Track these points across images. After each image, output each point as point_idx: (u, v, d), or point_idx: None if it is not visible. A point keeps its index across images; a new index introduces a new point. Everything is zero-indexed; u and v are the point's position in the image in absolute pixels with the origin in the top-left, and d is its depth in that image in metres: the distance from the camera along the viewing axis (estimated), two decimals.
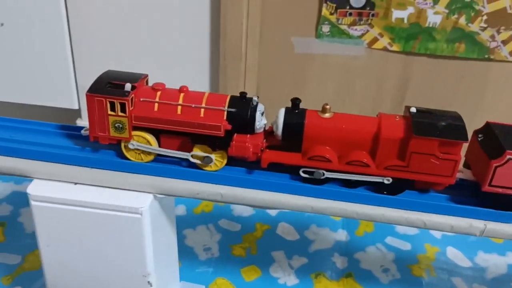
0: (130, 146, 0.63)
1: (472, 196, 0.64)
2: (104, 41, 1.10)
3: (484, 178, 0.60)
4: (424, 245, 1.02)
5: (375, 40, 1.04)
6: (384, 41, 1.03)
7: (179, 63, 1.10)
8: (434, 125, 0.59)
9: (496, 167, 0.59)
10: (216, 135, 0.61)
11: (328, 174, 0.62)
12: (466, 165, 0.67)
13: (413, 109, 0.62)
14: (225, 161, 0.64)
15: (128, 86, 0.61)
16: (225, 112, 0.61)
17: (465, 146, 0.63)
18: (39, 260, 0.90)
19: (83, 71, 1.12)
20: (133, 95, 0.61)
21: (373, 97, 1.10)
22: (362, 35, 1.03)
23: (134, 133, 0.63)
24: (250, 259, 0.95)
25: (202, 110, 0.61)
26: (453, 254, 1.00)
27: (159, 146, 0.64)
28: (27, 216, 1.01)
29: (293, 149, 0.63)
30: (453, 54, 1.02)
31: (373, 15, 1.01)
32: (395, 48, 1.04)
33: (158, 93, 0.62)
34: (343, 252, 0.98)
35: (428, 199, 0.63)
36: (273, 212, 1.06)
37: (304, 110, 0.62)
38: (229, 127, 0.61)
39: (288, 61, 1.09)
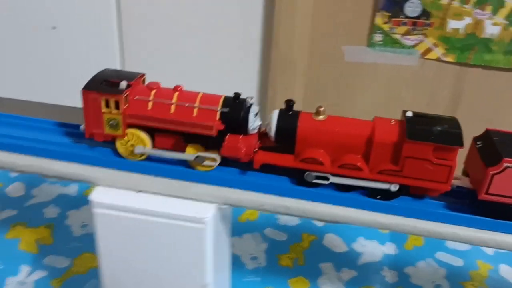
0: (137, 150, 0.63)
1: (469, 204, 0.62)
2: (154, 49, 1.10)
3: (481, 186, 0.58)
4: (476, 262, 0.99)
5: (428, 50, 1.01)
6: (438, 52, 1.01)
7: (228, 73, 1.09)
8: (429, 130, 0.57)
9: (493, 174, 0.57)
10: (208, 134, 0.61)
11: (320, 178, 0.61)
12: (465, 173, 0.65)
13: (409, 113, 0.60)
14: (218, 161, 0.63)
15: (123, 84, 0.61)
16: (218, 112, 0.61)
17: (464, 153, 0.62)
18: (88, 264, 0.91)
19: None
20: (127, 93, 0.61)
21: (424, 109, 1.07)
22: (416, 45, 1.01)
23: (128, 131, 0.63)
24: (297, 270, 0.94)
25: (195, 109, 0.61)
26: (507, 271, 0.98)
27: (154, 144, 0.64)
28: (74, 219, 1.01)
29: (287, 151, 0.62)
30: (510, 66, 1.00)
31: (428, 24, 0.99)
32: (449, 58, 1.01)
33: (153, 91, 0.62)
34: (393, 266, 0.95)
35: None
36: (319, 223, 1.04)
37: (298, 112, 0.61)
38: (221, 127, 0.61)
39: (338, 70, 1.07)
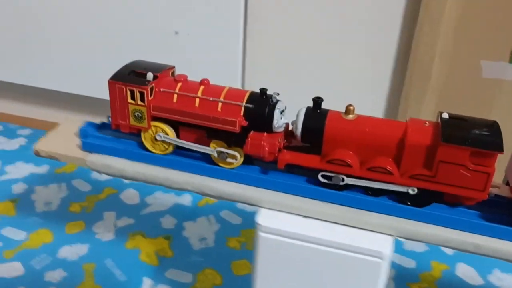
0: (158, 138, 0.61)
1: (508, 215, 0.55)
2: (276, 58, 1.06)
3: None
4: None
5: None
6: None
7: (358, 84, 1.04)
8: (466, 133, 0.52)
9: None
10: (231, 130, 0.58)
11: (348, 180, 0.56)
12: (506, 181, 0.58)
13: (445, 115, 0.54)
14: (242, 159, 0.60)
15: (149, 76, 0.59)
16: (243, 108, 0.58)
17: (505, 159, 0.55)
18: (211, 281, 0.88)
19: (251, 85, 1.09)
20: (153, 84, 0.59)
21: None
22: None
23: (153, 123, 0.61)
24: None
25: (220, 104, 0.58)
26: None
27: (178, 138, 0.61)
28: (191, 231, 0.98)
29: (313, 151, 0.58)
30: None
31: None
32: None
33: (179, 84, 0.60)
34: None
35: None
36: (448, 251, 0.97)
37: (326, 111, 0.57)
38: (245, 123, 0.58)
39: (474, 86, 1.00)
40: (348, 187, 0.58)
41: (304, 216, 0.59)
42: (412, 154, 0.54)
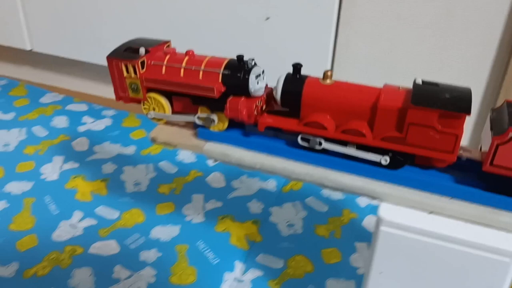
0: (149, 116, 0.68)
1: (477, 178, 0.58)
2: (370, 47, 1.04)
3: (486, 157, 0.54)
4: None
5: None
6: None
7: (454, 77, 1.01)
8: (435, 96, 0.53)
9: (497, 144, 0.53)
10: (211, 97, 0.63)
11: (325, 145, 0.60)
12: (480, 146, 0.60)
13: (419, 80, 0.56)
14: (226, 123, 0.65)
15: (141, 51, 0.65)
16: (220, 75, 0.62)
17: (480, 125, 0.55)
18: (303, 268, 0.88)
19: (341, 74, 1.07)
20: (144, 58, 0.65)
21: None
22: None
23: (148, 94, 0.67)
24: None
25: (201, 72, 0.63)
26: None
27: (172, 108, 0.68)
28: (278, 217, 0.99)
29: (293, 115, 0.62)
30: None
31: None
32: None
33: (167, 56, 0.65)
34: None
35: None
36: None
37: (305, 77, 0.61)
38: (223, 89, 0.62)
39: None
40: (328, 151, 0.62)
41: (430, 212, 0.58)
42: (384, 117, 0.57)
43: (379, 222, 0.58)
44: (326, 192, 1.04)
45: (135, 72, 0.66)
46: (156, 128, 0.69)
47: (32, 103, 1.29)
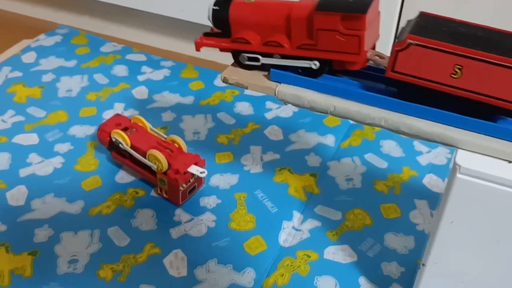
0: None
1: (383, 84, 0.63)
2: None
3: (388, 63, 0.58)
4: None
5: None
6: None
7: None
8: (338, 2, 0.59)
9: (397, 51, 0.57)
10: None
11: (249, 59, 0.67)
12: None
13: None
14: None
15: None
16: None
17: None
18: (361, 221, 0.88)
19: None
20: None
21: None
22: None
23: None
24: None
25: None
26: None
27: None
28: (336, 171, 0.98)
29: (225, 35, 0.68)
30: None
31: None
32: None
33: None
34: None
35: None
36: None
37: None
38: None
39: None
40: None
41: (510, 161, 0.56)
42: (297, 27, 0.62)
43: (455, 169, 0.56)
44: (386, 149, 1.03)
45: None
46: (227, 69, 0.69)
47: (93, 52, 1.31)
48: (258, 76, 0.67)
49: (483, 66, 0.54)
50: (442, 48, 0.55)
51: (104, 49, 1.33)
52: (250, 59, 0.67)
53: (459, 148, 0.58)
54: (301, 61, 0.64)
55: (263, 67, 0.67)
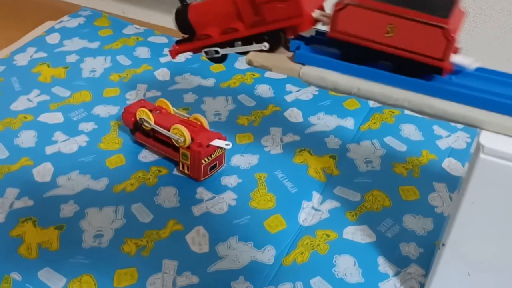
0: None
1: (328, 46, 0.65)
2: None
3: (330, 23, 0.62)
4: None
5: None
6: None
7: None
8: None
9: (336, 11, 0.60)
10: None
11: (222, 51, 0.72)
12: None
13: None
14: None
15: None
16: None
17: None
18: (380, 202, 0.89)
19: None
20: None
21: None
22: None
23: None
24: None
25: None
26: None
27: None
28: (356, 153, 0.99)
29: (194, 38, 0.74)
30: None
31: None
32: None
33: None
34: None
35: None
36: None
37: (187, 4, 0.73)
38: None
39: None
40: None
41: None
42: (244, 8, 0.66)
43: (479, 149, 0.57)
44: (405, 132, 1.04)
45: None
46: (252, 52, 0.70)
47: (116, 34, 1.33)
48: (282, 58, 0.68)
49: (411, 24, 0.57)
50: (376, 8, 0.58)
51: (126, 31, 1.35)
52: (216, 52, 0.72)
53: (483, 129, 0.58)
54: (253, 46, 0.68)
55: (224, 58, 0.74)
